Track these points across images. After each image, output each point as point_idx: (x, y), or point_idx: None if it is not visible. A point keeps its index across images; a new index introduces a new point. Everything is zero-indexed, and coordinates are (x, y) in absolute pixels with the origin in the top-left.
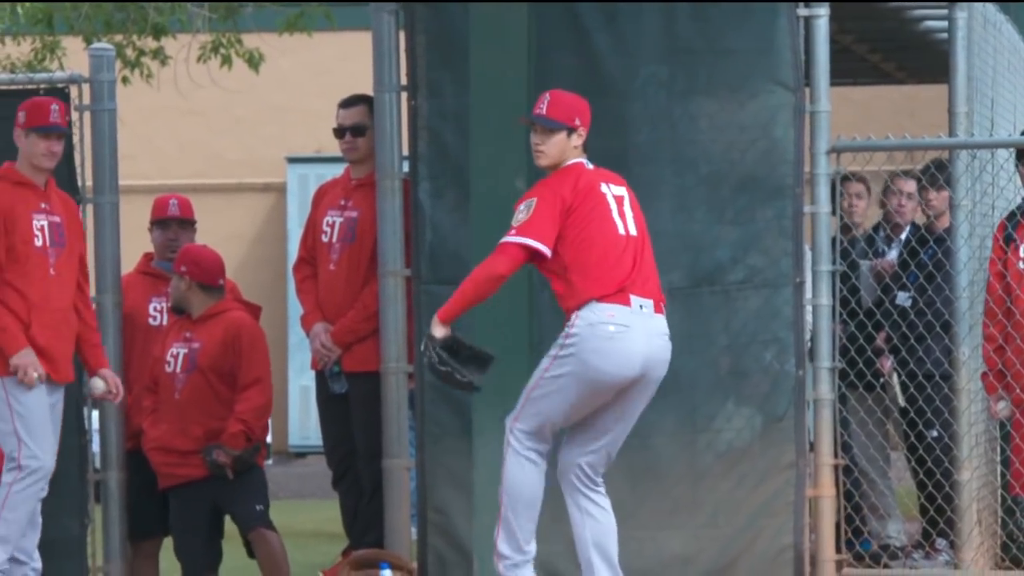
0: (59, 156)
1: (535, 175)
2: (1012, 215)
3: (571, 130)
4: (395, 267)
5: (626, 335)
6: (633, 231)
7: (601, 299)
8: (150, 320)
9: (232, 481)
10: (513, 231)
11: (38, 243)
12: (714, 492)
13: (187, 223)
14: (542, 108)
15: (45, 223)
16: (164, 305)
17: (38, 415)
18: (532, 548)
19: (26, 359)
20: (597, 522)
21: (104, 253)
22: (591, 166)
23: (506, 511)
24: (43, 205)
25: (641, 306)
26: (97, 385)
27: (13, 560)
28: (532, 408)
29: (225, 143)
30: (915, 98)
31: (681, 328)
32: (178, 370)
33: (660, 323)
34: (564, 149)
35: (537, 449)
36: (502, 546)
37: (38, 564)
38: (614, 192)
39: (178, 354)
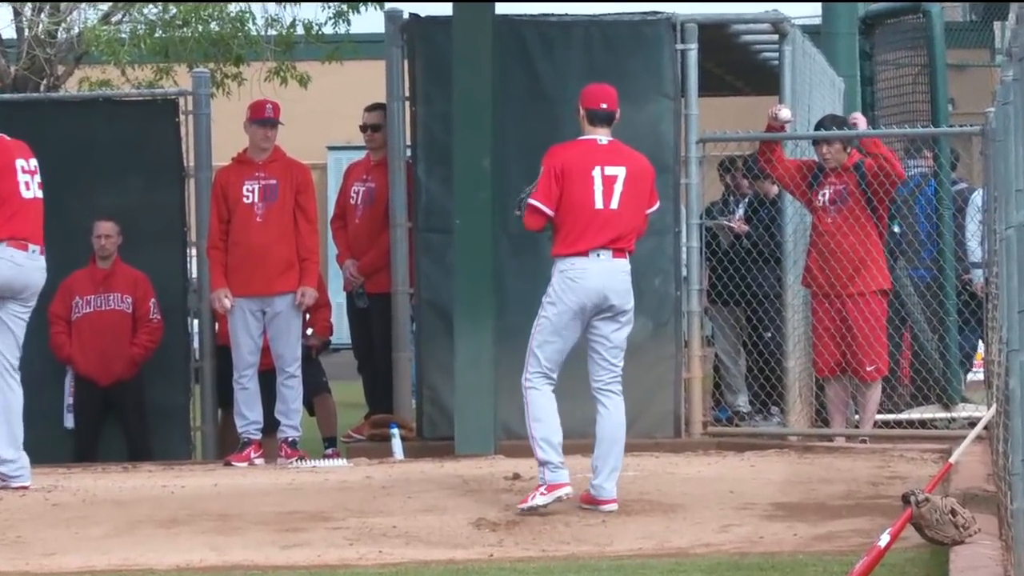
0: (273, 139)
1: (496, 156)
2: (815, 175)
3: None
4: (402, 221)
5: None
6: (614, 205)
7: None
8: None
9: (311, 360)
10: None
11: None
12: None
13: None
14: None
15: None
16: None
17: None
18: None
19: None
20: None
21: (202, 210)
22: (604, 141)
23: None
24: (258, 173)
25: (599, 254)
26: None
27: None
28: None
29: (284, 136)
30: (757, 105)
31: None
32: None
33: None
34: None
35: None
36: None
37: None
38: (606, 172)
39: None
